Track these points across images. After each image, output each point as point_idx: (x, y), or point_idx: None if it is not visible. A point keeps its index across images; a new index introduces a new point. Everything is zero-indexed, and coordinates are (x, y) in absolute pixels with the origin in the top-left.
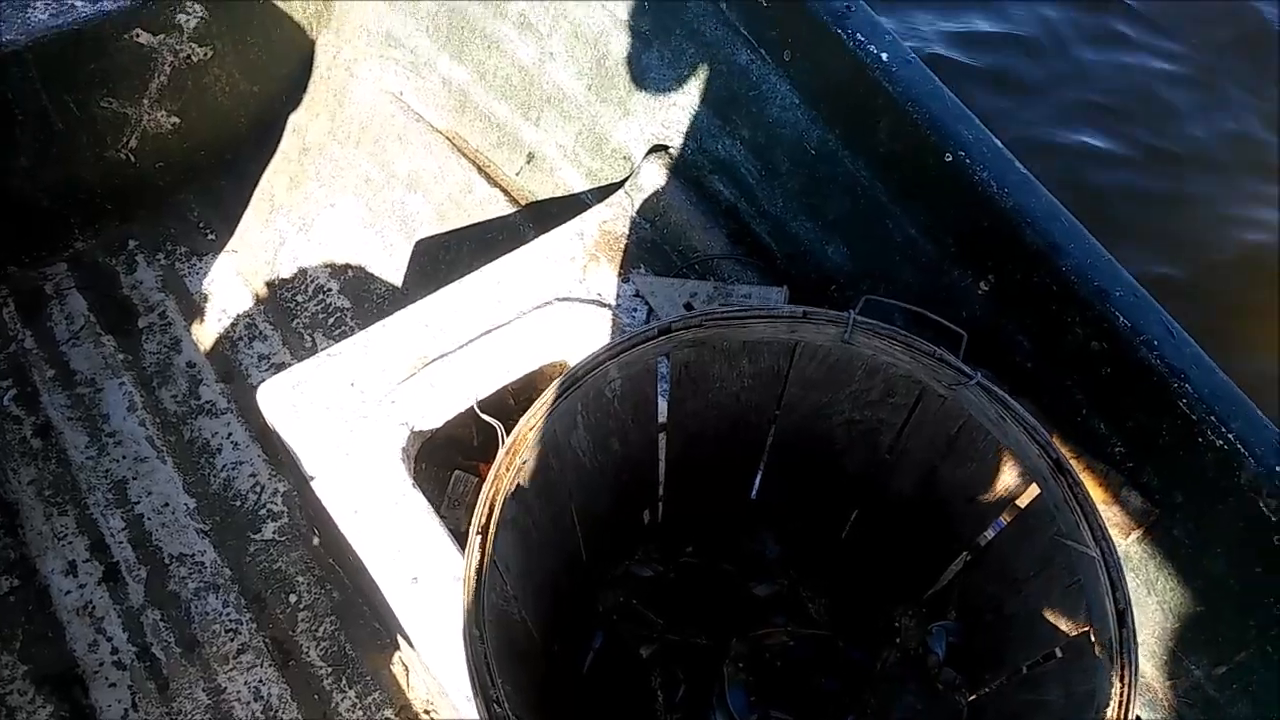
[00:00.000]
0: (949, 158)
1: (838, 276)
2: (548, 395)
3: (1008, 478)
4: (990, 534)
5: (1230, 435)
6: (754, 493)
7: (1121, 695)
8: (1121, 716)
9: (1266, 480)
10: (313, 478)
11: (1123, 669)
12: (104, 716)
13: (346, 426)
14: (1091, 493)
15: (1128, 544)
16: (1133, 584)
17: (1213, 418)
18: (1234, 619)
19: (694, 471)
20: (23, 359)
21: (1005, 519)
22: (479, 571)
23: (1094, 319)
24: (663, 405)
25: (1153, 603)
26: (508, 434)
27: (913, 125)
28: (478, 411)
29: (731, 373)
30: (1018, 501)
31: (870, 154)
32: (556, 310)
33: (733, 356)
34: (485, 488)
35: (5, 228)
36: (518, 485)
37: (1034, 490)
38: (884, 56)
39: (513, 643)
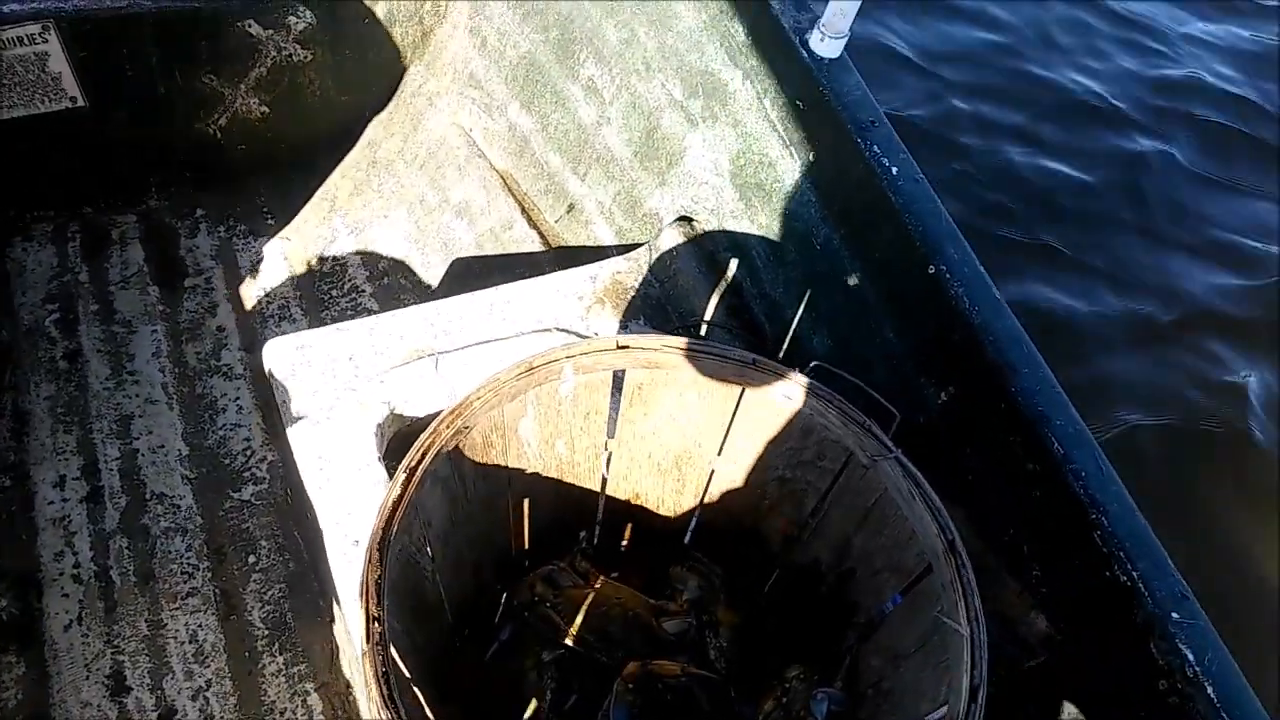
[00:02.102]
0: (931, 270)
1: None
2: (501, 375)
3: (909, 554)
4: (886, 608)
5: (1134, 574)
6: (688, 538)
7: None
8: None
9: (1159, 623)
10: (292, 424)
11: None
12: (49, 621)
13: (335, 393)
14: (1004, 611)
15: (1029, 667)
16: (1033, 712)
17: (1121, 554)
18: None
19: (634, 502)
20: (74, 289)
21: (900, 595)
22: (395, 505)
23: (1033, 441)
24: (615, 423)
25: None
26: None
27: (906, 235)
28: (434, 368)
29: (681, 405)
30: (914, 579)
31: (867, 257)
32: (552, 338)
33: (684, 388)
34: (422, 436)
35: (91, 172)
36: (457, 447)
37: (928, 568)
38: (894, 170)
39: (418, 597)
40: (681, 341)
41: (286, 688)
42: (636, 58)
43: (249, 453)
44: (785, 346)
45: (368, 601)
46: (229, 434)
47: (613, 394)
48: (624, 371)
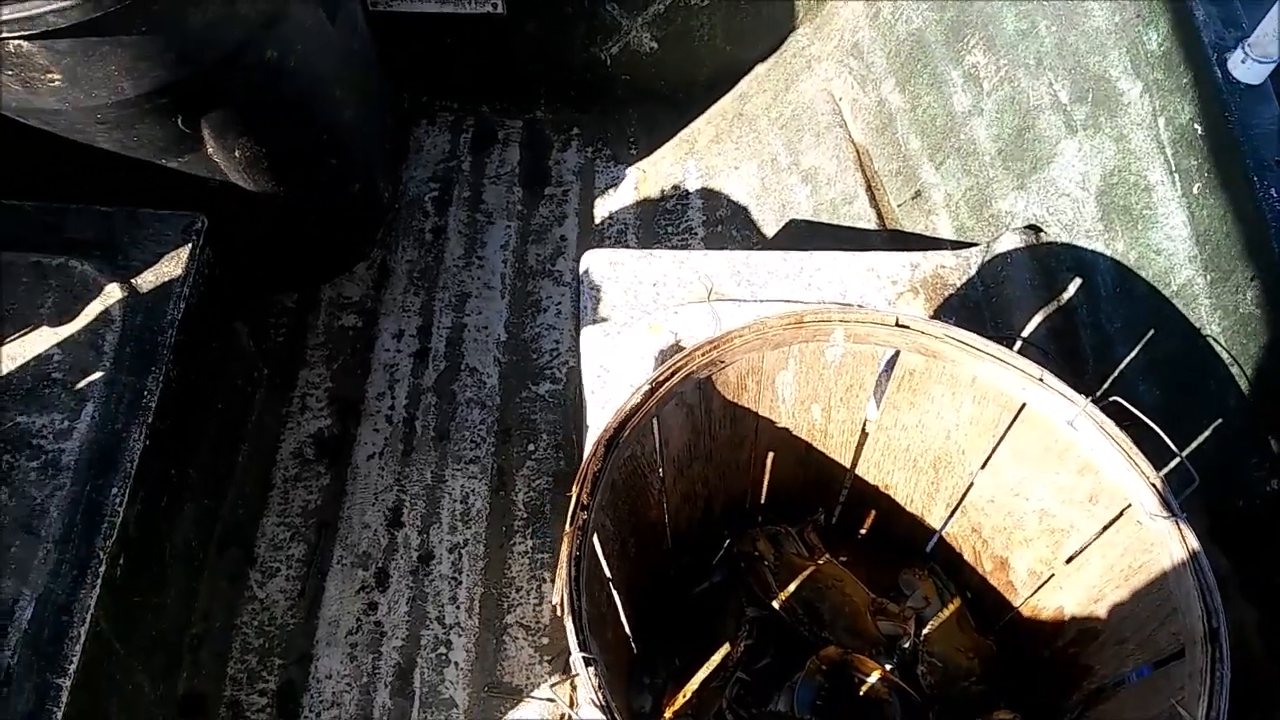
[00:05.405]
0: None
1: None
2: (769, 319)
3: (1164, 631)
4: (1124, 681)
5: None
6: (929, 546)
7: None
8: None
9: None
10: (586, 330)
11: None
12: (358, 447)
13: (632, 311)
14: None
15: None
16: None
17: None
18: None
19: (881, 492)
20: (455, 175)
21: (1143, 671)
22: (631, 412)
23: None
24: (878, 403)
25: None
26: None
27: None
28: (709, 300)
29: (952, 404)
30: (1161, 657)
31: (1230, 311)
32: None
33: (959, 387)
34: (676, 357)
35: (495, 75)
36: (709, 378)
37: (1180, 651)
38: None
39: (639, 511)
40: (967, 335)
41: (528, 569)
42: (1029, 51)
43: (555, 354)
44: (1107, 385)
45: (580, 489)
46: (543, 333)
47: (881, 373)
48: (897, 352)
